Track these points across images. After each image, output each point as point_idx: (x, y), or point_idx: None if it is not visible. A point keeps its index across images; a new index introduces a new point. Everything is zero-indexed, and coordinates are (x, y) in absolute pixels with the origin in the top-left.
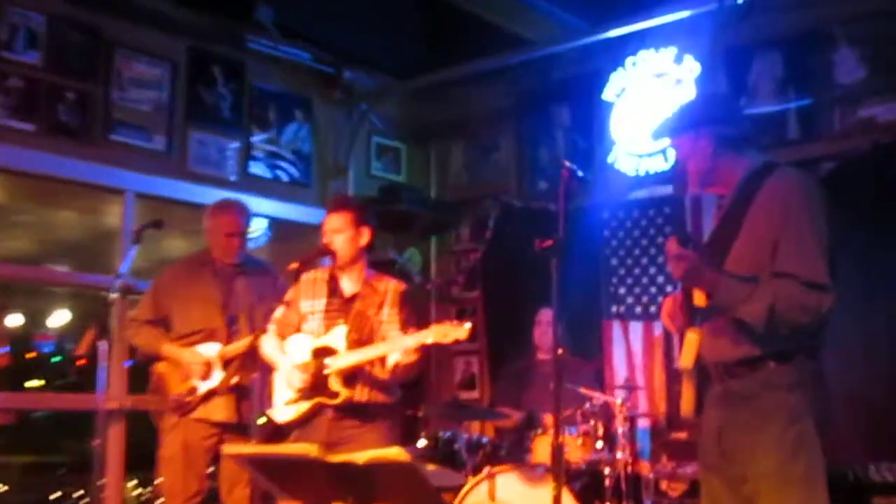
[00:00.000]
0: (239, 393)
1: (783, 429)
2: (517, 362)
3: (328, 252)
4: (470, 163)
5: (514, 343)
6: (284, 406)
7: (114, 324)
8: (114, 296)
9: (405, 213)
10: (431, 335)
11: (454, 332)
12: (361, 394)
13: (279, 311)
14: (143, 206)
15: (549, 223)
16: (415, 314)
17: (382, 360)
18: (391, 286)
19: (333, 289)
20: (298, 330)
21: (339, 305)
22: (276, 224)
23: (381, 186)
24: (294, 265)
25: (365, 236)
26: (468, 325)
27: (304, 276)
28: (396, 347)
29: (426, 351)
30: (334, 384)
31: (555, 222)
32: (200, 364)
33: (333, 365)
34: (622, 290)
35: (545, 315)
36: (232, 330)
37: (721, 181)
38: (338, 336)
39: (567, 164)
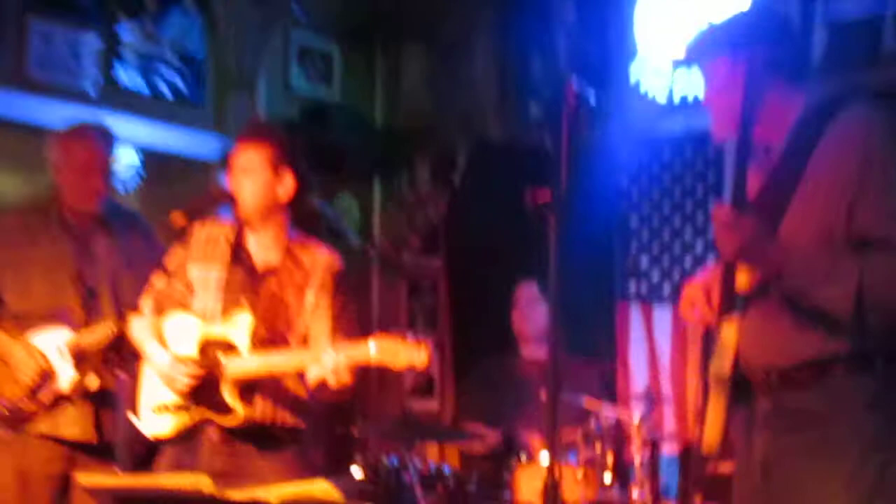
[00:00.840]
0: (98, 400)
1: (858, 463)
2: (492, 360)
3: (227, 199)
4: (431, 75)
5: (488, 332)
6: (154, 414)
7: None
8: None
9: (338, 145)
10: (375, 353)
11: (407, 353)
12: (264, 413)
13: (158, 282)
14: None
15: (542, 167)
16: (353, 304)
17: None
18: (322, 260)
19: (238, 254)
20: (184, 308)
21: (245, 279)
22: (152, 158)
23: (304, 107)
24: (178, 216)
25: (286, 183)
26: (424, 351)
27: (197, 232)
28: (322, 363)
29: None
30: (228, 395)
31: (552, 166)
32: (39, 358)
33: (231, 369)
34: (645, 261)
35: (526, 291)
36: (89, 309)
37: (768, 123)
38: (239, 327)
39: (574, 81)
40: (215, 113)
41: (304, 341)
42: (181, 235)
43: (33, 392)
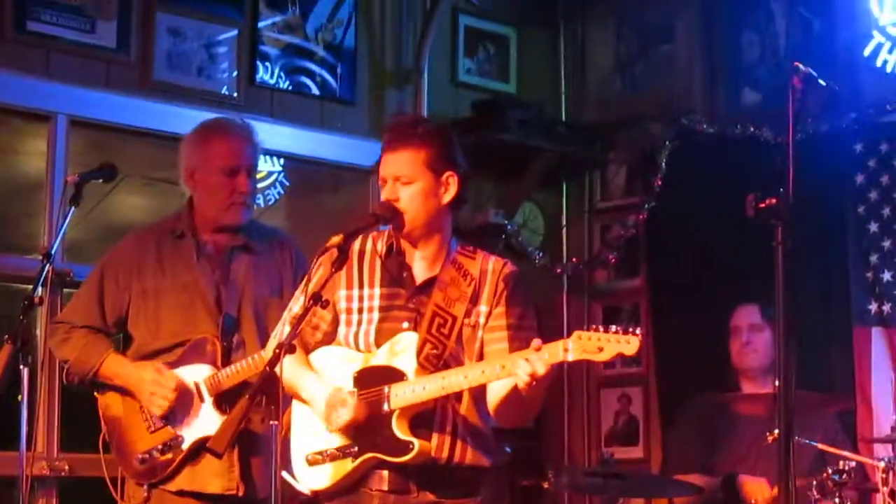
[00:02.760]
0: (244, 448)
1: None
2: (706, 398)
3: (388, 217)
4: (626, 60)
5: (700, 366)
6: (309, 465)
7: (41, 336)
8: (39, 290)
9: (517, 146)
10: (571, 350)
11: (613, 344)
12: (443, 448)
13: (297, 306)
14: (81, 138)
15: (762, 165)
16: (532, 312)
17: (481, 391)
18: (493, 266)
19: (396, 271)
20: (333, 338)
21: (407, 298)
22: (297, 166)
23: (477, 103)
24: (336, 239)
25: (450, 188)
26: (637, 333)
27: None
28: (507, 371)
29: (556, 377)
30: (399, 429)
31: (775, 163)
32: (176, 394)
33: (399, 397)
34: (887, 276)
35: (746, 316)
36: (230, 342)
37: None
38: (403, 349)
39: (799, 65)
40: (370, 113)
41: (480, 357)
42: (338, 261)
43: (174, 438)
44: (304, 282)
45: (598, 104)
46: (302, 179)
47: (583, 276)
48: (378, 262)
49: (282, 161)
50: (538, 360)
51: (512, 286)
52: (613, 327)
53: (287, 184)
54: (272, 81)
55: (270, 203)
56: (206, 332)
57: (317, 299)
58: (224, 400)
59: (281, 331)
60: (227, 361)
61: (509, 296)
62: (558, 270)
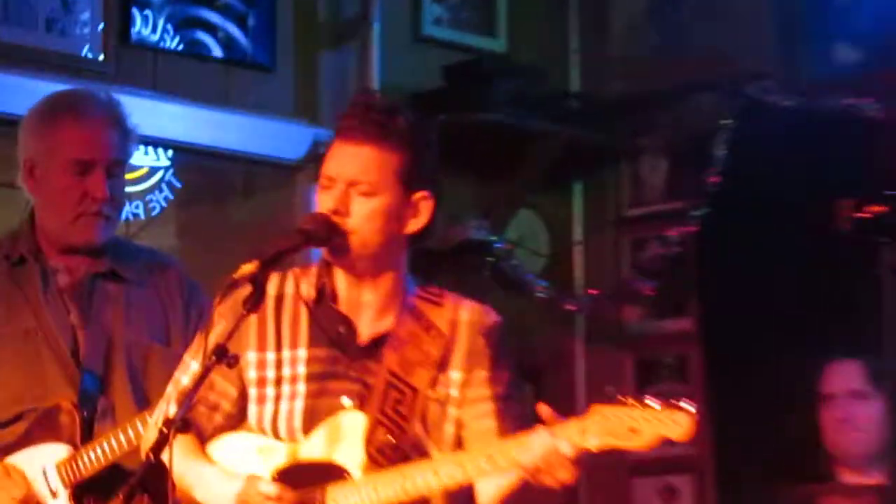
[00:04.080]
0: None
1: None
2: (783, 491)
3: (323, 237)
4: (659, 9)
5: (774, 445)
6: None
7: None
8: None
9: (508, 129)
10: (592, 432)
11: (653, 424)
12: None
13: (192, 367)
14: None
15: (861, 152)
16: (517, 380)
17: (462, 496)
18: (468, 316)
19: (330, 325)
20: (239, 422)
21: (347, 363)
22: (190, 163)
23: (450, 66)
24: (248, 267)
25: (421, 214)
26: (690, 409)
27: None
28: (498, 464)
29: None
30: None
31: (879, 150)
32: (18, 483)
33: None
34: None
35: (843, 377)
36: (94, 409)
37: None
38: (346, 435)
39: None
40: (297, 84)
41: (457, 445)
42: (251, 302)
43: None
44: (201, 332)
45: (625, 68)
46: (198, 179)
47: (605, 315)
48: (304, 312)
49: (169, 153)
50: (539, 441)
51: (497, 342)
52: (652, 400)
53: (178, 185)
54: (154, 39)
55: (154, 213)
56: (60, 396)
57: (221, 355)
58: (86, 493)
59: (165, 410)
60: (88, 437)
61: (494, 355)
62: (570, 307)
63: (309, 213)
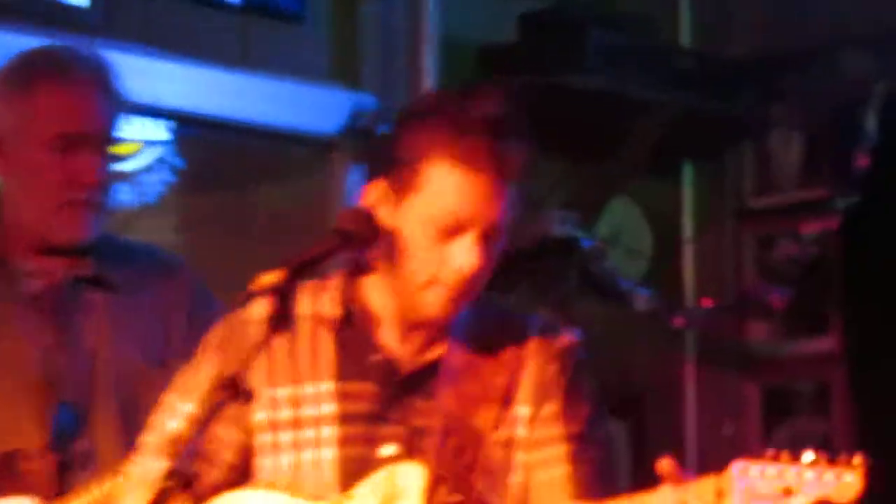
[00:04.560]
0: None
1: None
2: None
3: (365, 237)
4: None
5: None
6: None
7: None
8: None
9: (602, 97)
10: (733, 493)
11: (812, 486)
12: None
13: (183, 408)
14: None
15: None
16: (603, 425)
17: None
18: (541, 343)
19: (361, 352)
20: (242, 479)
21: (385, 401)
22: (197, 139)
23: (528, 16)
24: (271, 277)
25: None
26: (858, 464)
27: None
28: None
29: None
30: None
31: None
32: None
33: None
34: None
35: None
36: (71, 453)
37: None
38: (403, 494)
39: None
40: (333, 40)
41: (524, 500)
42: (275, 318)
43: None
44: (201, 351)
45: (751, 21)
46: (206, 158)
47: (723, 331)
48: (326, 336)
49: (169, 125)
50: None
51: (573, 368)
52: (810, 455)
53: (179, 165)
54: None
55: (148, 201)
56: (26, 436)
57: (233, 389)
58: None
59: (151, 466)
60: (62, 489)
61: (569, 385)
62: (678, 322)
63: (349, 208)
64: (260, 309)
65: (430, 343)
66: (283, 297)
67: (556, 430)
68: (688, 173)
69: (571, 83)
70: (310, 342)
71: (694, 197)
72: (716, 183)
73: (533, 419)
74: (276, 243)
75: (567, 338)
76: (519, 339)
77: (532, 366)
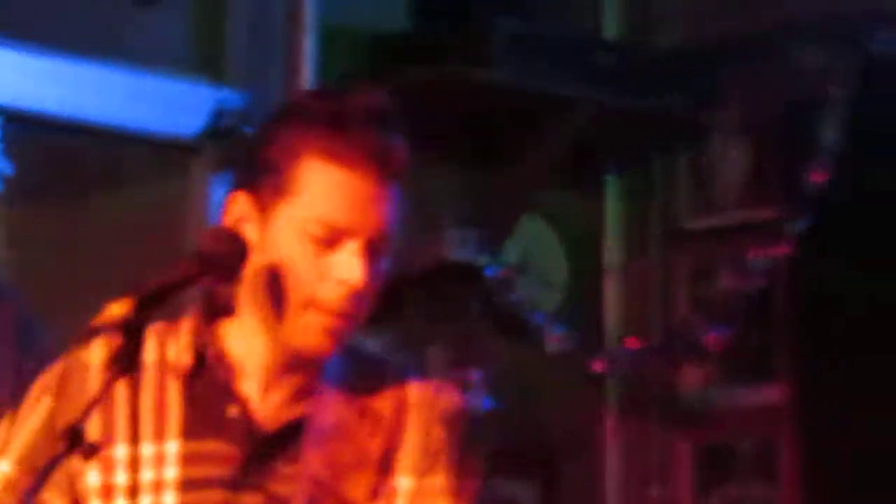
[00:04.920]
0: None
1: None
2: None
3: (230, 264)
4: None
5: None
6: None
7: None
8: None
9: (509, 93)
10: None
11: None
12: None
13: (4, 464)
14: None
15: None
16: (480, 478)
17: None
18: (418, 395)
19: (214, 404)
20: None
21: (240, 463)
22: (28, 139)
23: (423, 0)
24: (117, 310)
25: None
26: None
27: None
28: None
29: None
30: None
31: None
32: None
33: None
34: None
35: None
36: None
37: None
38: None
39: None
40: (193, 23)
41: None
42: (120, 357)
43: None
44: (29, 398)
45: (685, 10)
46: (40, 162)
47: (651, 378)
48: (173, 387)
49: None
50: None
51: (461, 433)
52: None
53: (6, 172)
54: None
55: None
56: None
57: (74, 440)
58: None
59: None
60: None
61: (457, 454)
62: (598, 364)
63: (212, 228)
64: (103, 348)
65: (297, 396)
66: (131, 333)
67: (439, 485)
68: (611, 187)
69: (474, 77)
70: (154, 393)
71: (618, 216)
72: (644, 199)
73: (416, 493)
74: (122, 266)
75: (452, 397)
76: (398, 394)
77: (414, 429)
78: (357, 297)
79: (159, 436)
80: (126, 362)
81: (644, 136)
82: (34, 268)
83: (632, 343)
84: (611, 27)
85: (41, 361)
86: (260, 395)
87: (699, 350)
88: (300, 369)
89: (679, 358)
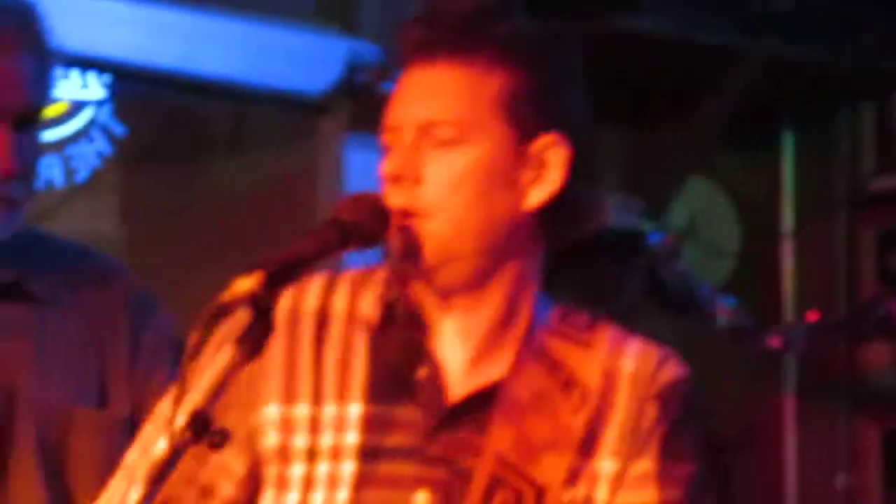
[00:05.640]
0: None
1: None
2: None
3: (372, 233)
4: None
5: None
6: None
7: None
8: None
9: (672, 46)
10: None
11: None
12: None
13: (157, 443)
14: None
15: None
16: (699, 462)
17: None
18: (632, 365)
19: (405, 364)
20: None
21: (426, 433)
22: (141, 98)
23: None
24: (245, 283)
25: (549, 171)
26: None
27: (283, 315)
28: None
29: None
30: None
31: None
32: None
33: None
34: None
35: None
36: None
37: None
38: None
39: None
40: None
41: None
42: (249, 335)
43: None
44: (176, 384)
45: None
46: (154, 123)
47: (835, 355)
48: (361, 344)
49: (105, 80)
50: None
51: (679, 414)
52: None
53: (119, 133)
54: None
55: (79, 178)
56: None
57: (201, 427)
58: None
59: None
60: None
61: (671, 436)
62: (774, 341)
63: (350, 195)
64: (235, 322)
65: (493, 359)
66: (261, 310)
67: (650, 495)
68: (787, 146)
69: (627, 29)
70: (340, 349)
71: (795, 177)
72: (824, 159)
73: (619, 478)
74: (246, 235)
75: (674, 370)
76: (609, 366)
77: (622, 405)
78: (398, 190)
79: (342, 396)
80: (253, 343)
81: (824, 89)
82: (148, 240)
83: (812, 317)
84: None
85: (156, 339)
86: (452, 356)
87: (886, 325)
88: (499, 331)
89: (865, 334)
